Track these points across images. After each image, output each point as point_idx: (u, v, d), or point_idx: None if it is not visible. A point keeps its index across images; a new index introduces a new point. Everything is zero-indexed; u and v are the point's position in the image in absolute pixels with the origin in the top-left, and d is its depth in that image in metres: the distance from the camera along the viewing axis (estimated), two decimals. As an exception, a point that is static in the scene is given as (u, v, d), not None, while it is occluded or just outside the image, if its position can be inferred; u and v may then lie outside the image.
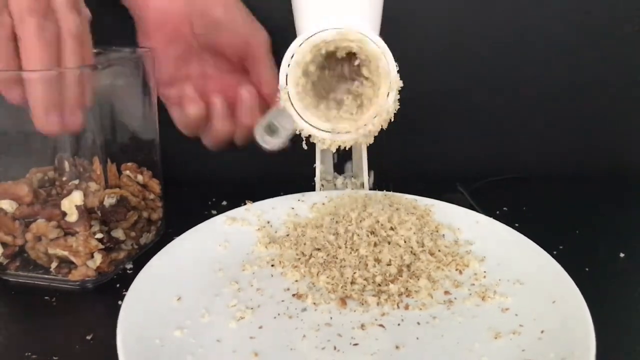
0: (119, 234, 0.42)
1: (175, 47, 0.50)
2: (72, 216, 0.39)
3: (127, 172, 0.45)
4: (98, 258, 0.40)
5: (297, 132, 0.45)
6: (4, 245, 0.41)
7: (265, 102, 0.52)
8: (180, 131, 0.53)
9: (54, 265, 0.40)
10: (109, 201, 0.41)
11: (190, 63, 0.51)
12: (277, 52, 0.44)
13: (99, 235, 0.40)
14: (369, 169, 0.51)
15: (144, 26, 0.50)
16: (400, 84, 0.43)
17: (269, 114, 0.49)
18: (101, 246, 0.40)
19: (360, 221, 0.42)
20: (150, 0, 0.48)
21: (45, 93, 0.36)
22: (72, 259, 0.40)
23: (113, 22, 0.56)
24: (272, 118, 0.48)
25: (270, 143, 0.48)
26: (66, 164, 0.40)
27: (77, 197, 0.39)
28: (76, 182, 0.40)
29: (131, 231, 0.44)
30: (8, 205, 0.40)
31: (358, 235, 0.41)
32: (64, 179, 0.40)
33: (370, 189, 0.50)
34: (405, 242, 0.41)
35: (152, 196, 0.47)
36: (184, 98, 0.50)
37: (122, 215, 0.42)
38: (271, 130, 0.48)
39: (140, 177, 0.46)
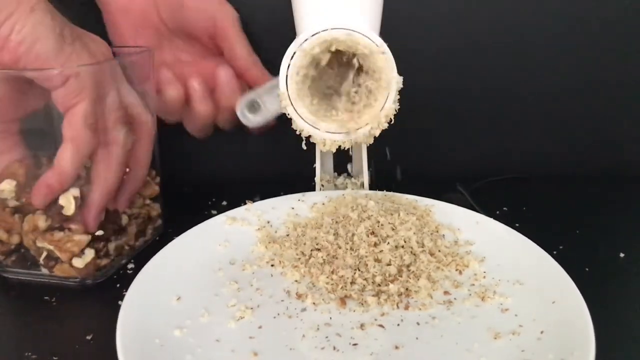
0: (112, 246, 0.42)
1: (144, 34, 0.49)
2: (70, 209, 0.39)
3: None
4: (89, 255, 0.40)
5: (298, 133, 0.45)
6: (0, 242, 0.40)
7: (244, 79, 0.51)
8: (165, 120, 0.52)
9: (42, 256, 0.40)
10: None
11: (163, 49, 0.51)
12: (278, 52, 0.44)
13: (99, 233, 0.40)
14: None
15: (110, 16, 0.49)
16: (401, 84, 0.43)
17: (253, 91, 0.48)
18: (88, 239, 0.40)
19: (360, 221, 0.42)
20: None
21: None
22: (58, 254, 0.39)
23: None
24: (256, 96, 0.48)
25: (251, 120, 0.48)
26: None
27: (74, 192, 0.39)
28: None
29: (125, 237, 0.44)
30: (7, 185, 0.39)
31: (358, 235, 0.41)
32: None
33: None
34: (405, 242, 0.41)
35: (148, 201, 0.47)
36: (160, 82, 0.49)
37: (118, 228, 0.43)
38: (253, 107, 0.48)
39: None
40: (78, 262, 0.40)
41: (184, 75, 0.50)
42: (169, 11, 0.49)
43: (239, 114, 0.48)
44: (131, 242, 0.45)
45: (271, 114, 0.48)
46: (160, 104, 0.50)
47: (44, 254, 0.40)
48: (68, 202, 0.39)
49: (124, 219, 0.44)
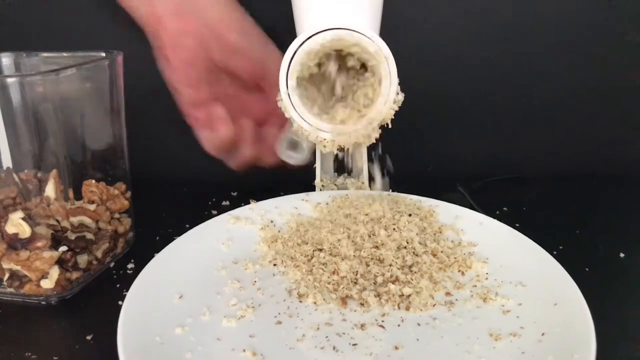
0: (82, 259, 0.41)
1: (195, 68, 0.49)
2: (25, 232, 0.37)
3: (91, 188, 0.43)
4: (55, 273, 0.38)
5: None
6: None
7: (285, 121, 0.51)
8: (208, 152, 0.52)
9: (5, 277, 0.39)
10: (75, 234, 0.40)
11: (212, 84, 0.50)
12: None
13: (63, 248, 0.39)
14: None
15: (161, 47, 0.49)
16: (398, 88, 0.43)
17: (288, 130, 0.49)
18: (58, 254, 0.38)
19: (363, 222, 0.42)
20: (165, 22, 0.47)
21: None
22: (26, 273, 0.38)
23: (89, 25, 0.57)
24: (292, 134, 0.48)
25: (294, 158, 0.49)
26: (15, 178, 0.39)
27: (16, 217, 0.37)
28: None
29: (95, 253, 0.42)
30: None
31: (360, 235, 0.41)
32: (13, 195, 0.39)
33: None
34: (407, 243, 0.41)
35: (117, 215, 0.45)
36: (214, 120, 0.50)
37: (85, 244, 0.41)
38: (293, 145, 0.49)
39: (103, 193, 0.44)
40: (46, 283, 0.38)
41: (232, 111, 0.50)
42: (220, 54, 0.49)
43: (281, 155, 0.49)
44: (100, 257, 0.43)
45: (311, 146, 0.49)
46: (212, 140, 0.51)
47: (7, 274, 0.39)
48: (20, 227, 0.37)
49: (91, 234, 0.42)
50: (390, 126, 0.45)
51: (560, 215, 0.53)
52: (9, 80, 0.36)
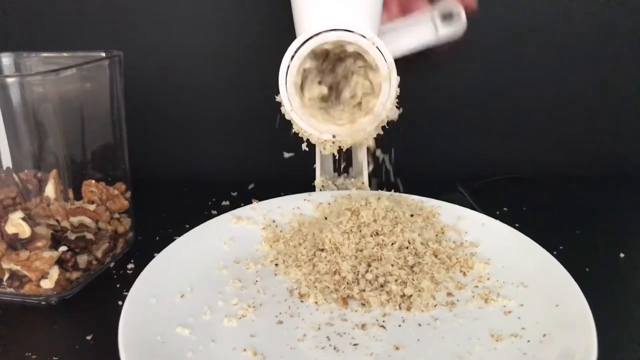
0: (82, 259, 0.41)
1: None
2: (25, 232, 0.37)
3: (91, 188, 0.43)
4: (55, 273, 0.38)
5: (299, 135, 0.45)
6: None
7: None
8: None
9: (5, 277, 0.39)
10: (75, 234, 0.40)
11: None
12: (277, 53, 0.44)
13: (63, 248, 0.39)
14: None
15: None
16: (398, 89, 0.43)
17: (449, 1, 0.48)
18: (58, 254, 0.38)
19: (365, 222, 0.42)
20: None
21: None
22: (26, 273, 0.38)
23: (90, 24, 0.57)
24: (453, 6, 0.47)
25: (444, 30, 0.47)
26: (15, 178, 0.39)
27: (16, 217, 0.37)
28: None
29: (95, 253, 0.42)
30: None
31: (362, 235, 0.41)
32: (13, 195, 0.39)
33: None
34: (409, 243, 0.41)
35: (117, 215, 0.45)
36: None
37: (85, 244, 0.41)
38: (446, 17, 0.47)
39: (103, 193, 0.43)
40: (46, 283, 0.38)
41: None
42: None
43: (432, 24, 0.47)
44: (100, 257, 0.43)
45: (462, 28, 0.47)
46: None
47: (7, 274, 0.38)
48: (19, 227, 0.37)
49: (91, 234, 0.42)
50: (387, 128, 0.44)
51: (560, 215, 0.53)
52: (9, 80, 0.36)
